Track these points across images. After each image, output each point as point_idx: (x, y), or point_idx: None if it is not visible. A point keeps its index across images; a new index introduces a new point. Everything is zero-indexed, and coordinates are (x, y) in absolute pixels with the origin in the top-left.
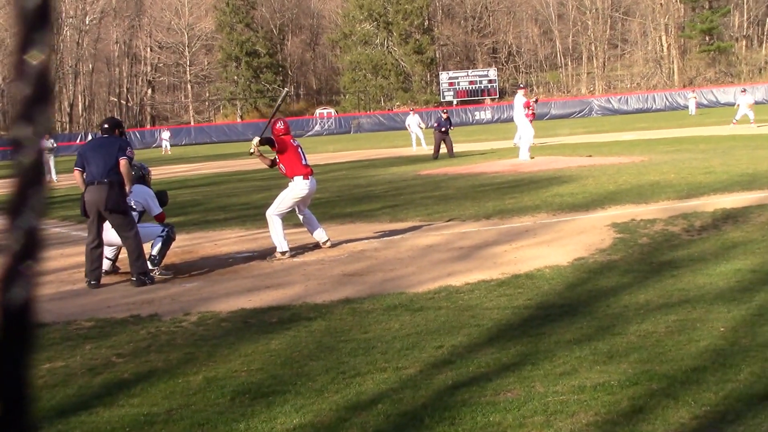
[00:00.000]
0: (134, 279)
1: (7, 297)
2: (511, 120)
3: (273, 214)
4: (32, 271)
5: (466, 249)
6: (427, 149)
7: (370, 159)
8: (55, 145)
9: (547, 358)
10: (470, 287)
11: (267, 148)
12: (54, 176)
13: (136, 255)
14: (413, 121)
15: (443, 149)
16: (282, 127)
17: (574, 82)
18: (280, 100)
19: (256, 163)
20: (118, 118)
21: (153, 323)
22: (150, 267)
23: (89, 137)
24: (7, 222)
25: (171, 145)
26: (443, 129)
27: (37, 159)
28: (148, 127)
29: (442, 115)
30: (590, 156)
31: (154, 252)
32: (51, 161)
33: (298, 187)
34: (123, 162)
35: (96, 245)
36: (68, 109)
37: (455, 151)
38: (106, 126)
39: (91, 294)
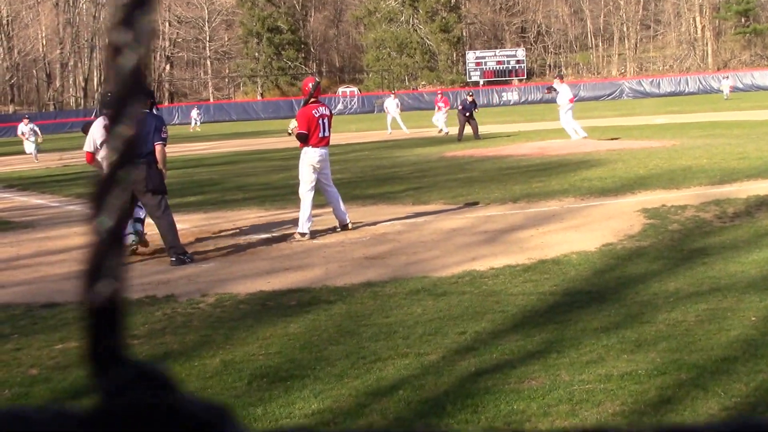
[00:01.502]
0: (173, 260)
1: (107, 201)
2: (538, 102)
3: (304, 191)
4: (128, 178)
5: (492, 233)
6: (407, 132)
7: (393, 139)
8: (35, 130)
9: (573, 345)
10: (495, 272)
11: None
12: (36, 156)
13: (172, 235)
14: (392, 104)
15: (468, 131)
16: (310, 88)
17: (605, 63)
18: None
19: (277, 142)
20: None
21: (169, 304)
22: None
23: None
24: (106, 130)
25: (199, 123)
26: (467, 113)
27: (137, 66)
28: (166, 104)
29: (468, 97)
30: (617, 139)
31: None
32: (30, 145)
33: (308, 156)
34: (159, 147)
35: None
36: (83, 84)
37: (480, 133)
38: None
39: None
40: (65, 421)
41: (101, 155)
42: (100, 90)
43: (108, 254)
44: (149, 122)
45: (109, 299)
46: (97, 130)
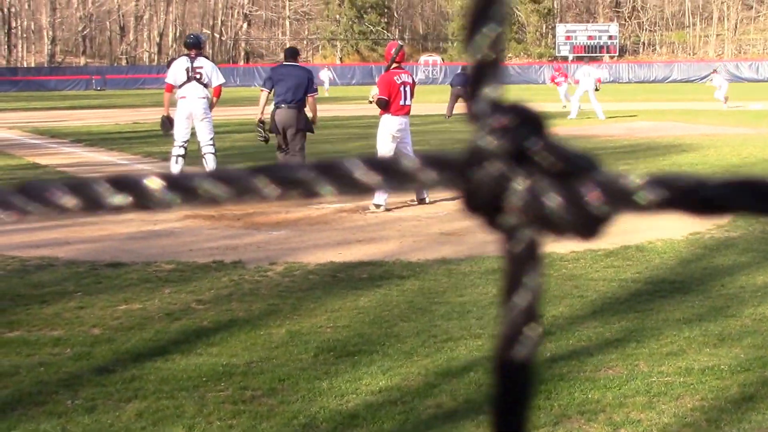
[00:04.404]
0: None
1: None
2: (628, 81)
3: None
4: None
5: None
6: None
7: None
8: None
9: (654, 336)
10: (575, 255)
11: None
12: None
13: None
14: (325, 76)
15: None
16: (393, 53)
17: (702, 44)
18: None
19: (355, 109)
20: (294, 47)
21: (236, 271)
22: None
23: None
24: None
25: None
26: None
27: None
28: (242, 64)
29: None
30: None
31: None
32: None
33: (387, 124)
34: (311, 100)
35: (286, 154)
36: (158, 39)
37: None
38: (290, 55)
39: (173, 236)
40: (441, 162)
41: (179, 94)
42: (174, 47)
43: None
44: (304, 75)
45: (491, 45)
46: (179, 69)
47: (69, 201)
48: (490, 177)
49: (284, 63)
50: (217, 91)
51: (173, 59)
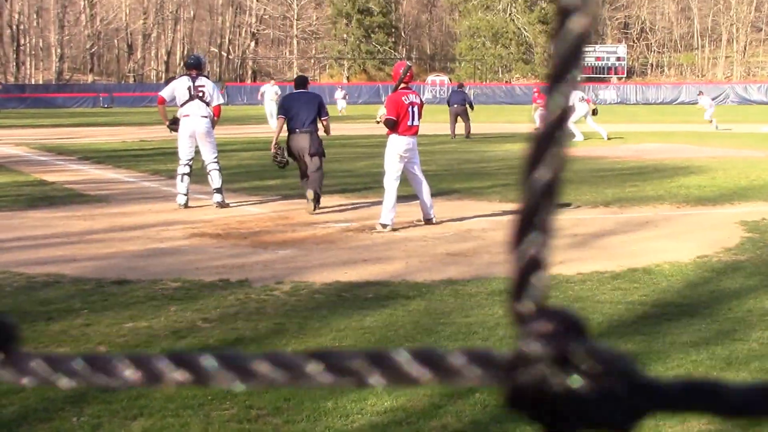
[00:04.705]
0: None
1: (544, 157)
2: (636, 103)
3: (388, 181)
4: (564, 138)
5: (581, 237)
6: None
7: (483, 133)
8: None
9: (660, 359)
10: (582, 278)
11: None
12: None
13: (320, 185)
14: (270, 92)
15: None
16: (401, 73)
17: (710, 66)
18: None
19: (366, 128)
20: (304, 75)
21: (242, 289)
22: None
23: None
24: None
25: (345, 105)
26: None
27: (585, 30)
28: (249, 82)
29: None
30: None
31: (219, 184)
32: None
33: (395, 144)
34: (326, 122)
35: (306, 178)
36: (165, 57)
37: (577, 131)
38: (300, 83)
39: (179, 254)
40: (487, 361)
41: (182, 113)
42: (181, 65)
43: (539, 208)
44: (314, 100)
45: (536, 252)
46: (181, 88)
47: (132, 374)
48: (533, 379)
49: (295, 91)
50: (217, 111)
51: (173, 77)
